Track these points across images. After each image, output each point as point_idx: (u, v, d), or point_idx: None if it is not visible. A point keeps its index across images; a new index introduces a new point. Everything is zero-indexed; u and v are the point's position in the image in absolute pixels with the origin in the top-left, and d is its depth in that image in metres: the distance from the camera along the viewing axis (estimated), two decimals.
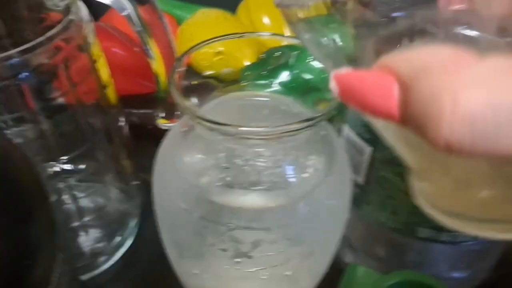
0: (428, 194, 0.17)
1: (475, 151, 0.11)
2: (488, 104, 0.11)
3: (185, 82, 0.27)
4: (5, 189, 0.17)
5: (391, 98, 0.13)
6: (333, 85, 0.14)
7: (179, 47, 0.53)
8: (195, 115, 0.22)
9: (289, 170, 0.25)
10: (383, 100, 0.13)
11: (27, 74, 0.24)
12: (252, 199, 0.25)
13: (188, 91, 0.27)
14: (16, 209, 0.17)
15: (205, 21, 0.54)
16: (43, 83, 0.26)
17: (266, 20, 0.56)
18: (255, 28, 0.56)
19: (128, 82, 0.46)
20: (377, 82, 0.13)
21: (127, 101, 0.44)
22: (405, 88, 0.12)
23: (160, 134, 0.38)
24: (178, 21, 0.58)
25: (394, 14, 0.17)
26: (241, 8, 0.59)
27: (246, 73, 0.30)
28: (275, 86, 0.29)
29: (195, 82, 0.28)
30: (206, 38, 0.53)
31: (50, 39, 0.25)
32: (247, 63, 0.47)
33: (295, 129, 0.22)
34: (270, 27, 0.56)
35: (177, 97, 0.24)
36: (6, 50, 0.23)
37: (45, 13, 0.26)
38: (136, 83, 0.47)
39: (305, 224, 0.25)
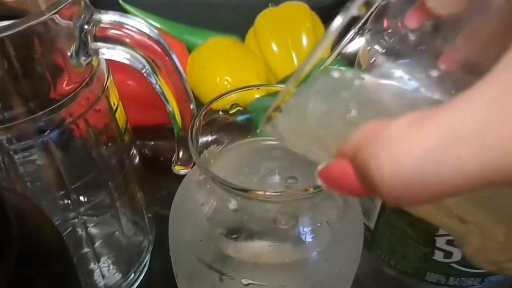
0: (476, 252, 0.18)
1: (420, 197, 0.12)
2: (403, 155, 0.12)
3: (210, 124, 0.27)
4: (38, 260, 0.18)
5: (352, 180, 0.14)
6: (319, 181, 0.16)
7: (190, 74, 0.54)
8: (210, 175, 0.23)
9: (304, 225, 0.26)
10: (349, 183, 0.14)
11: (51, 132, 0.25)
12: (267, 254, 0.25)
13: (211, 134, 0.28)
14: (50, 279, 0.18)
15: (216, 49, 0.54)
16: (65, 138, 0.27)
17: (274, 47, 0.57)
18: (263, 56, 0.57)
19: (141, 114, 0.46)
20: (340, 169, 0.15)
21: (140, 132, 0.45)
22: (354, 167, 0.14)
23: (171, 165, 0.39)
24: (189, 47, 0.58)
25: None
26: (249, 34, 0.59)
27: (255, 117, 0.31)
28: None
29: (221, 124, 0.29)
30: (217, 67, 0.54)
31: (74, 97, 0.26)
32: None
33: (312, 193, 0.23)
34: (277, 54, 0.57)
35: (194, 154, 0.24)
36: (33, 112, 0.24)
37: (66, 70, 0.27)
38: (148, 114, 0.47)
39: (320, 277, 0.26)
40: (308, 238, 0.25)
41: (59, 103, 0.25)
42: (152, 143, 0.46)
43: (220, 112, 0.29)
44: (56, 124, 0.25)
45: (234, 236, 0.25)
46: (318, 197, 0.25)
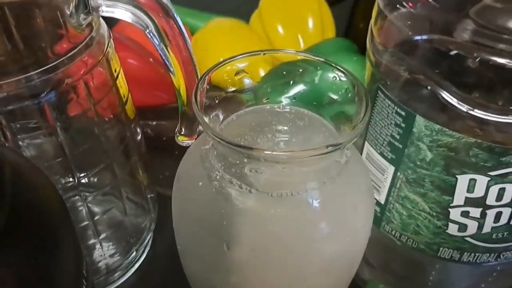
0: None
1: None
2: None
3: (211, 97, 0.26)
4: (34, 221, 0.17)
5: None
6: None
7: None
8: (218, 137, 0.22)
9: (311, 189, 0.24)
10: None
11: (48, 93, 0.24)
12: (275, 219, 0.24)
13: (213, 106, 0.27)
14: (43, 238, 0.17)
15: (219, 31, 0.53)
16: (63, 102, 0.26)
17: (280, 29, 0.56)
18: (268, 37, 0.56)
19: (143, 93, 0.45)
20: None
21: (142, 112, 0.44)
22: None
23: (174, 145, 0.37)
24: (192, 30, 0.57)
25: None
26: (254, 17, 0.58)
27: (267, 90, 0.30)
28: (297, 104, 0.28)
29: (221, 97, 0.28)
30: (221, 48, 0.54)
31: (72, 58, 0.25)
32: (262, 73, 0.47)
33: (320, 153, 0.22)
34: (283, 36, 0.56)
35: (199, 116, 0.23)
36: (28, 70, 0.23)
37: (64, 29, 0.26)
38: (151, 94, 0.46)
39: (328, 246, 0.25)
40: (315, 203, 0.24)
41: (56, 62, 0.24)
42: (155, 123, 0.45)
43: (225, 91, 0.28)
44: (53, 85, 0.24)
45: (241, 202, 0.24)
46: (327, 160, 0.24)
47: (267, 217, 0.24)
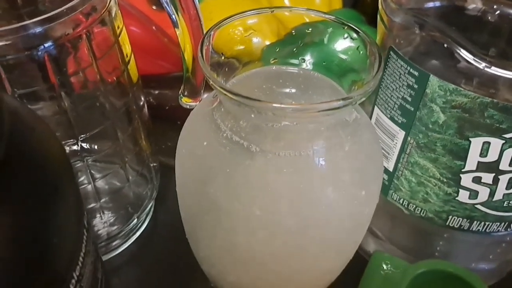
0: None
1: None
2: None
3: (217, 56, 0.26)
4: (32, 163, 0.16)
5: None
6: None
7: None
8: (225, 89, 0.21)
9: (319, 148, 0.23)
10: None
11: (48, 45, 0.23)
12: (282, 179, 0.23)
13: (219, 65, 0.26)
14: (45, 186, 0.16)
15: (224, 0, 0.52)
16: (64, 55, 0.25)
17: (286, 0, 0.55)
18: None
19: (145, 62, 0.44)
20: None
21: (144, 81, 0.43)
22: None
23: (177, 115, 0.36)
24: None
25: None
26: None
27: (275, 50, 0.29)
28: (306, 65, 0.27)
29: (218, 62, 0.27)
30: (225, 17, 0.52)
31: (73, 9, 0.24)
32: (267, 42, 0.45)
33: (332, 107, 0.21)
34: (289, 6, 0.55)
35: (206, 70, 0.23)
36: (26, 19, 0.22)
37: None
38: (153, 63, 0.45)
39: (335, 210, 0.24)
40: (322, 163, 0.23)
41: (56, 12, 0.23)
42: (157, 92, 0.44)
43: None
44: (52, 36, 0.23)
45: (248, 161, 0.23)
46: (336, 117, 0.23)
47: (274, 177, 0.23)
